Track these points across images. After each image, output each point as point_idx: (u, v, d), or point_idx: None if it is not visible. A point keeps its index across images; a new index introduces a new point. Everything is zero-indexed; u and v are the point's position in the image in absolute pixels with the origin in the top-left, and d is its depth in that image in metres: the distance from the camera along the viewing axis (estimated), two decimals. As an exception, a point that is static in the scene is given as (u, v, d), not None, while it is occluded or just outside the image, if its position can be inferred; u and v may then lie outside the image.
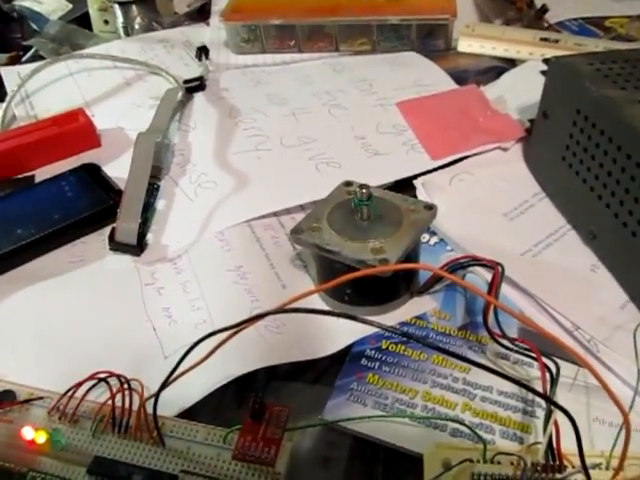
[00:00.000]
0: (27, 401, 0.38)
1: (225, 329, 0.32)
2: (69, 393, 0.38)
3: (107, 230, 0.52)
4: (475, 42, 0.70)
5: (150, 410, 0.36)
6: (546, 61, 0.52)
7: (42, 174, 0.59)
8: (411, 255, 0.43)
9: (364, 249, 0.41)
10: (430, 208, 0.45)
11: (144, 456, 0.36)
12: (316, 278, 0.46)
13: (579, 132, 0.47)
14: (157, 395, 0.34)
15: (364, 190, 0.42)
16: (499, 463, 0.33)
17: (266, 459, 0.34)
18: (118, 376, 0.38)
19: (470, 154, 0.56)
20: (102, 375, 0.38)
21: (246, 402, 0.38)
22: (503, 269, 0.42)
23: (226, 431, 0.36)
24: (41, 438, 0.36)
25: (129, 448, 0.36)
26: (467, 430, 0.36)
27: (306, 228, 0.43)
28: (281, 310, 0.33)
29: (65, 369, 0.41)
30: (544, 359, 0.37)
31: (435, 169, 0.55)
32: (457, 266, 0.44)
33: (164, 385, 0.34)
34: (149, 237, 0.51)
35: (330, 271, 0.43)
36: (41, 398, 0.38)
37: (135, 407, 0.37)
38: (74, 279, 0.48)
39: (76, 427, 0.37)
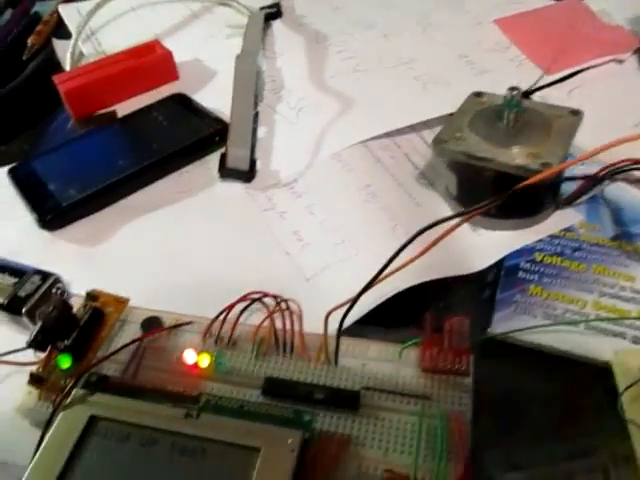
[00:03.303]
0: (176, 326, 0.35)
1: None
2: (221, 316, 0.35)
3: (210, 159, 0.49)
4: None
5: (307, 329, 0.34)
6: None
7: (123, 110, 0.56)
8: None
9: (519, 155, 0.38)
10: (576, 113, 0.42)
11: (317, 375, 0.33)
12: (455, 192, 0.43)
13: None
14: (345, 315, 0.31)
15: (515, 92, 0.39)
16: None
17: (459, 369, 0.31)
18: (274, 296, 0.35)
19: (584, 67, 0.53)
20: (256, 295, 0.35)
21: (410, 319, 0.36)
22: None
23: (401, 346, 0.34)
24: (204, 361, 0.33)
25: (298, 368, 0.33)
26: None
27: (448, 138, 0.40)
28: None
29: (202, 296, 0.38)
30: None
31: (549, 84, 0.52)
32: (616, 171, 0.41)
33: (355, 300, 0.31)
34: (257, 164, 0.48)
35: (476, 182, 0.41)
36: (189, 323, 0.36)
37: (294, 327, 0.34)
38: (187, 208, 0.45)
39: (235, 350, 0.34)
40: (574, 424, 0.32)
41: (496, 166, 0.38)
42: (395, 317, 0.37)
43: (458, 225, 0.34)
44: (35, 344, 0.32)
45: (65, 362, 0.32)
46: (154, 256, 0.41)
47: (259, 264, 0.40)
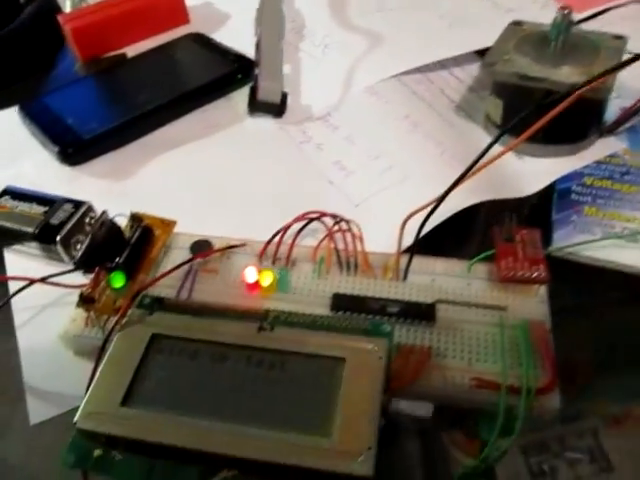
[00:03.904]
0: (229, 248, 0.33)
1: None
2: (277, 237, 0.33)
3: (233, 97, 0.47)
4: None
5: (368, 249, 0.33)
6: None
7: (132, 52, 0.53)
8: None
9: (571, 74, 0.37)
10: (619, 37, 0.41)
11: (386, 291, 0.31)
12: (500, 119, 0.41)
13: None
14: (424, 222, 0.29)
15: (566, 12, 0.38)
16: None
17: (538, 277, 0.30)
18: (333, 215, 0.33)
19: (609, 7, 0.52)
20: (313, 215, 0.33)
21: (467, 238, 0.34)
22: None
23: (468, 262, 0.32)
24: (266, 280, 0.31)
25: (365, 285, 0.32)
26: None
27: (497, 60, 0.39)
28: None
29: (247, 224, 0.36)
30: None
31: (576, 22, 0.51)
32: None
33: (435, 207, 0.29)
34: (287, 98, 0.46)
35: (524, 105, 0.39)
36: (243, 245, 0.34)
37: (356, 246, 0.33)
38: (217, 142, 0.43)
39: (294, 269, 0.32)
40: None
41: (549, 85, 0.37)
42: (452, 240, 0.36)
43: (509, 149, 0.32)
44: (83, 263, 0.30)
45: (118, 280, 0.29)
46: (189, 189, 0.39)
47: (303, 194, 0.38)
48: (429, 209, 0.29)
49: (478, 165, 0.31)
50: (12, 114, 0.45)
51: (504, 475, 0.25)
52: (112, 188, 0.40)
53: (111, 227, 0.30)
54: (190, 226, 0.35)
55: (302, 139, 0.42)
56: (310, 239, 0.34)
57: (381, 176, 0.39)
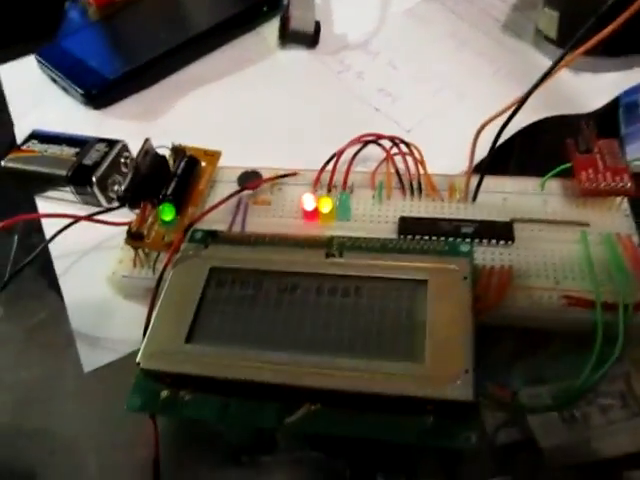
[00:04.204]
0: (280, 177, 0.30)
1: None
2: (331, 164, 0.30)
3: (261, 31, 0.44)
4: None
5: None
6: None
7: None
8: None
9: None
10: None
11: (456, 213, 0.29)
12: (555, 33, 0.38)
13: None
14: (499, 132, 0.27)
15: None
16: None
17: (623, 188, 0.28)
18: (391, 137, 0.31)
19: None
20: (369, 138, 0.31)
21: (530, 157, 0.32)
22: None
23: (543, 178, 0.29)
24: (325, 207, 0.28)
25: (432, 208, 0.29)
26: None
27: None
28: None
29: (294, 154, 0.33)
30: None
31: None
32: None
33: (506, 123, 0.26)
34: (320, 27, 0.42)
35: (583, 15, 0.36)
36: (294, 174, 0.31)
37: (418, 169, 0.30)
38: (251, 77, 0.40)
39: (353, 196, 0.30)
40: None
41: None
42: (516, 160, 0.33)
43: (567, 64, 0.29)
44: (128, 198, 0.27)
45: (168, 213, 0.27)
46: (227, 125, 0.37)
47: (348, 122, 0.36)
48: (504, 118, 0.26)
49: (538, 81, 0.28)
50: (30, 62, 0.43)
51: (536, 422, 0.23)
52: (142, 128, 0.37)
53: (156, 157, 0.28)
54: (234, 160, 0.32)
55: (340, 69, 0.40)
56: (366, 165, 0.31)
57: (432, 99, 0.36)
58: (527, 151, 0.33)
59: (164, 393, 0.23)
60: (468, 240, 0.27)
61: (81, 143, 0.34)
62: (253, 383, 0.22)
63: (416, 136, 0.34)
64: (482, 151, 0.28)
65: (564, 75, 0.36)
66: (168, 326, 0.24)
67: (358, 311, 0.23)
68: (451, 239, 0.27)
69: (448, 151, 0.31)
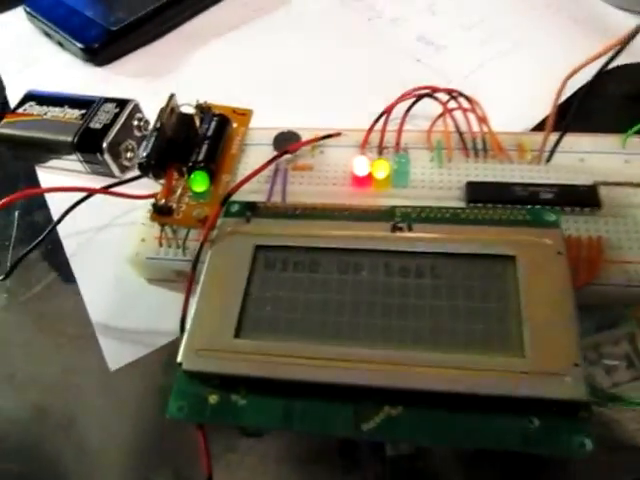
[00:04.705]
0: (323, 138, 0.26)
1: None
2: (380, 122, 0.26)
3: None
4: None
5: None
6: None
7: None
8: None
9: None
10: None
11: (530, 176, 0.25)
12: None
13: None
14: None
15: None
16: None
17: None
18: (448, 90, 0.27)
19: None
20: (422, 91, 0.27)
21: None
22: None
23: (624, 135, 0.26)
24: (380, 171, 0.25)
25: (500, 170, 0.26)
26: None
27: None
28: None
29: (332, 113, 0.29)
30: None
31: None
32: None
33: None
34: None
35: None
36: (338, 134, 0.27)
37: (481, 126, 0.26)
38: (267, 26, 0.36)
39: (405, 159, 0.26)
40: None
41: None
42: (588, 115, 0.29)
43: None
44: (150, 165, 0.23)
45: (201, 183, 0.23)
46: (249, 80, 0.32)
47: (387, 75, 0.32)
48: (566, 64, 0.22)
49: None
50: (18, 14, 0.38)
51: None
52: (153, 87, 0.33)
53: (182, 116, 0.23)
54: (263, 121, 0.28)
55: (371, 15, 0.35)
56: (415, 124, 0.27)
57: (482, 48, 0.32)
58: (601, 104, 0.29)
59: (213, 398, 0.19)
60: (555, 208, 0.23)
61: (86, 104, 0.29)
62: (322, 384, 0.18)
63: (466, 91, 0.30)
64: (543, 105, 0.24)
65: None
66: (212, 318, 0.20)
67: (438, 294, 0.20)
68: (529, 207, 0.23)
69: (505, 107, 0.27)
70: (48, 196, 0.29)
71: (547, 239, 0.21)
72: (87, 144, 0.28)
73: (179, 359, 0.19)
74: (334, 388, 0.18)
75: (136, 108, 0.29)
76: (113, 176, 0.29)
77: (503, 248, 0.21)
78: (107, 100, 0.29)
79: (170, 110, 0.23)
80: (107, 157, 0.28)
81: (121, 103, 0.29)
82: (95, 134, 0.28)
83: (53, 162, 0.30)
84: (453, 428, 0.18)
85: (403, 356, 0.19)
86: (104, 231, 0.27)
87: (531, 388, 0.18)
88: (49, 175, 0.30)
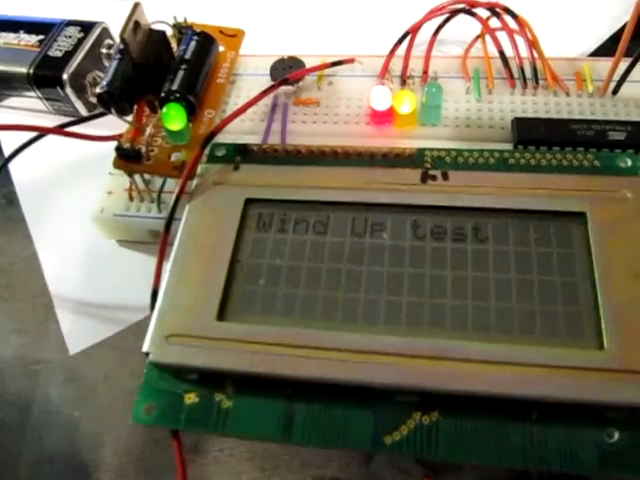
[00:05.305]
0: (335, 64, 0.21)
1: None
2: (404, 44, 0.21)
3: None
4: None
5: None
6: None
7: None
8: None
9: None
10: None
11: (588, 113, 0.20)
12: None
13: None
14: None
15: None
16: None
17: None
18: (489, 5, 0.21)
19: None
20: (457, 6, 0.21)
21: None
22: None
23: None
24: (405, 105, 0.19)
25: (555, 106, 0.20)
26: None
27: None
28: None
29: (347, 36, 0.24)
30: None
31: None
32: None
33: None
34: None
35: None
36: (351, 61, 0.22)
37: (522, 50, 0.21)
38: None
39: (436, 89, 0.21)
40: None
41: None
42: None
43: None
44: (112, 97, 0.18)
45: (176, 119, 0.18)
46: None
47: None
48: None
49: None
50: None
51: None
52: (128, 5, 0.27)
53: (151, 33, 0.18)
54: (260, 46, 0.23)
55: None
56: (450, 48, 0.22)
57: None
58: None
59: (190, 398, 0.15)
60: (629, 151, 0.18)
61: (45, 28, 0.24)
62: (333, 383, 0.14)
63: (512, 6, 0.24)
64: (606, 25, 0.18)
65: None
66: (188, 293, 0.15)
67: (483, 264, 0.15)
68: (594, 150, 0.18)
69: (560, 27, 0.22)
70: (2, 138, 0.24)
71: (626, 191, 0.16)
72: (45, 76, 0.23)
73: (145, 347, 0.15)
74: (348, 388, 0.14)
75: (105, 32, 0.24)
76: (79, 115, 0.24)
77: (568, 203, 0.16)
78: (70, 23, 0.24)
79: (134, 25, 0.18)
80: (69, 91, 0.23)
81: (86, 27, 0.24)
82: (55, 64, 0.23)
83: (11, 100, 0.25)
84: (505, 443, 0.14)
85: (438, 347, 0.14)
86: (65, 182, 0.22)
87: (610, 390, 0.13)
88: (6, 115, 0.25)
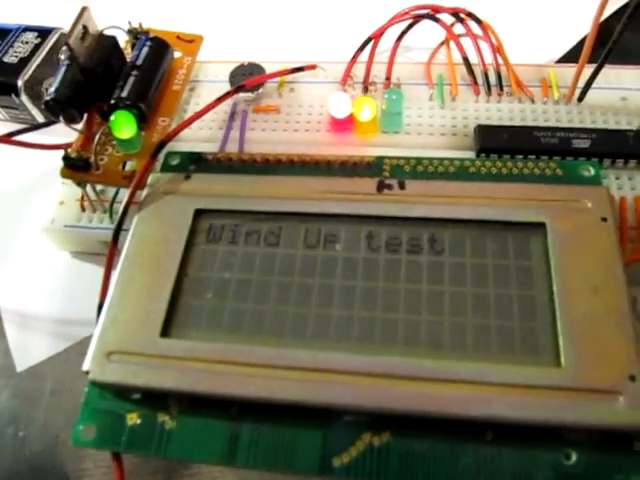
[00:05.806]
0: (295, 71, 0.21)
1: None
2: (365, 52, 0.21)
3: None
4: None
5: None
6: None
7: None
8: None
9: None
10: None
11: (554, 120, 0.19)
12: None
13: None
14: None
15: None
16: None
17: None
18: (454, 10, 0.21)
19: None
20: (421, 11, 0.21)
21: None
22: None
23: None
24: (365, 112, 0.19)
25: (520, 112, 0.20)
26: None
27: None
28: None
29: (309, 42, 0.23)
30: None
31: None
32: None
33: None
34: None
35: None
36: (312, 67, 0.21)
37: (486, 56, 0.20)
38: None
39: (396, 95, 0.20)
40: None
41: None
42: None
43: None
44: (59, 104, 0.17)
45: (126, 126, 0.17)
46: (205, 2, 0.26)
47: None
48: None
49: None
50: None
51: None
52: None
53: (101, 39, 0.18)
54: (221, 52, 0.22)
55: None
56: (415, 54, 0.22)
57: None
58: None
59: (132, 419, 0.14)
60: (592, 160, 0.17)
61: (2, 33, 0.24)
62: (280, 403, 0.13)
63: (476, 11, 0.24)
64: (573, 31, 0.18)
65: None
66: (132, 308, 0.15)
67: (438, 277, 0.14)
68: (557, 158, 0.18)
69: (525, 33, 0.21)
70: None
71: (587, 201, 0.15)
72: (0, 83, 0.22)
73: (85, 366, 0.14)
74: (296, 409, 0.13)
75: (63, 38, 0.23)
76: (36, 121, 0.23)
77: (527, 213, 0.15)
78: (27, 29, 0.23)
79: (83, 30, 0.17)
80: (24, 99, 0.22)
81: (44, 32, 0.23)
82: (9, 70, 0.22)
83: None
84: (458, 465, 0.13)
85: (390, 364, 0.13)
86: (16, 192, 0.21)
87: (568, 410, 0.12)
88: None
